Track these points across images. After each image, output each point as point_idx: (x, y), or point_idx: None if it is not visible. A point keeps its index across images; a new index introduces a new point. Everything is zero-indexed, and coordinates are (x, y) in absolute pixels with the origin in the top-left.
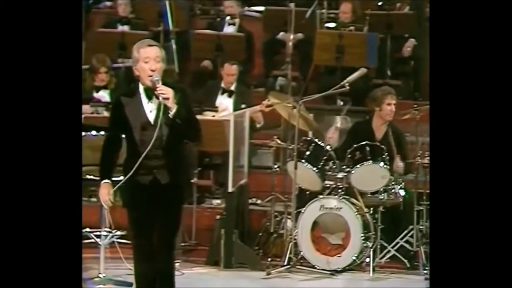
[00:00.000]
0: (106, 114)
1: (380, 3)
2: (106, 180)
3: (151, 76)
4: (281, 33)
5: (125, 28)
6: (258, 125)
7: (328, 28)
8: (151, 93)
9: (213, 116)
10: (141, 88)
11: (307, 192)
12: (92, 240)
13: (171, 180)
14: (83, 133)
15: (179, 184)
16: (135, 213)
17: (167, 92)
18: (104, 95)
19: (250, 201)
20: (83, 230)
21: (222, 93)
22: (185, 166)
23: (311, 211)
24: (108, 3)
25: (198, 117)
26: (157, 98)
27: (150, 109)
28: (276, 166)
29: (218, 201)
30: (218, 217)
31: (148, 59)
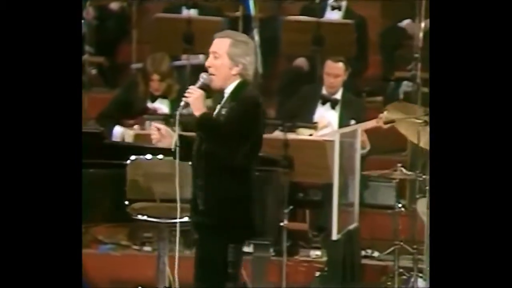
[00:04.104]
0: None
1: None
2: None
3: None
4: (406, 21)
5: (192, 13)
6: (361, 151)
7: None
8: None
9: (311, 134)
10: None
11: None
12: None
13: None
14: (134, 157)
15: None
16: None
17: (190, 95)
18: (162, 106)
19: (362, 252)
20: None
21: (323, 103)
22: None
23: None
24: None
25: (290, 135)
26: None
27: None
28: (400, 205)
29: (318, 252)
30: (317, 273)
31: (212, 54)
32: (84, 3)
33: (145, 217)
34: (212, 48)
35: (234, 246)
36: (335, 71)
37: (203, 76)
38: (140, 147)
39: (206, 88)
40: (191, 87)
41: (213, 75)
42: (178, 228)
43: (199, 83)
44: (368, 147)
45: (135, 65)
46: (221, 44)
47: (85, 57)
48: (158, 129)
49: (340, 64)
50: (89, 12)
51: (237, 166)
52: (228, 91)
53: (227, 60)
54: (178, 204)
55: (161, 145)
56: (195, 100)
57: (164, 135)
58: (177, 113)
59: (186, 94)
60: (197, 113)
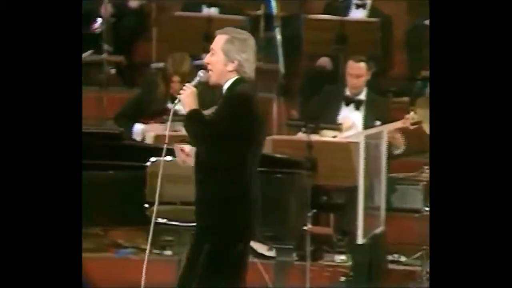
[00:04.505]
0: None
1: None
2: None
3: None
4: None
5: (213, 11)
6: (396, 151)
7: None
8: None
9: (335, 136)
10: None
11: None
12: None
13: None
14: (154, 158)
15: None
16: None
17: (183, 92)
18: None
19: (389, 257)
20: None
21: (347, 104)
22: None
23: None
24: None
25: (314, 137)
26: None
27: None
28: (427, 209)
29: (342, 256)
30: (342, 278)
31: (210, 50)
32: (99, 1)
33: (165, 221)
34: (211, 45)
35: (231, 247)
36: (357, 71)
37: (199, 74)
38: (160, 148)
39: (201, 85)
40: (186, 84)
41: (211, 71)
42: (151, 229)
43: (195, 81)
44: (402, 147)
45: (155, 65)
46: (218, 41)
47: (104, 56)
48: (183, 150)
49: (362, 64)
50: (106, 9)
51: (225, 164)
52: (225, 88)
53: (222, 56)
54: (156, 205)
55: (187, 165)
56: (186, 97)
57: (189, 155)
58: (171, 109)
59: (180, 91)
60: (186, 109)
